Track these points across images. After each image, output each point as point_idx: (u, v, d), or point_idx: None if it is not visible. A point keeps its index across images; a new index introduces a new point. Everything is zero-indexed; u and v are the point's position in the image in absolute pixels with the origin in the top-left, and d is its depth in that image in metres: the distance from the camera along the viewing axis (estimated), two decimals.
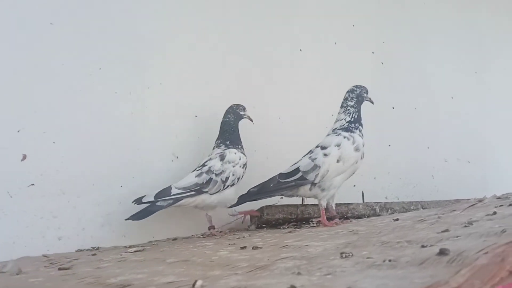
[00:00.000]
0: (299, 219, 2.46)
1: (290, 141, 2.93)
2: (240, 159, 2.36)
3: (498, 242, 1.01)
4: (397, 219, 1.97)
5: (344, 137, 2.28)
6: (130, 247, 2.14)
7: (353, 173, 2.34)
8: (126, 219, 2.15)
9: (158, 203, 2.16)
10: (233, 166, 2.32)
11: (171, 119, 2.53)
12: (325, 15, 3.29)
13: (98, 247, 2.19)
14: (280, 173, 2.28)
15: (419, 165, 3.76)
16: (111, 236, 2.28)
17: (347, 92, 2.42)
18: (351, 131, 2.31)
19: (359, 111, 2.38)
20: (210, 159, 2.33)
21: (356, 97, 2.38)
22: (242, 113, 2.44)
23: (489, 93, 4.24)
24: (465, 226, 1.42)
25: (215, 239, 2.18)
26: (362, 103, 2.40)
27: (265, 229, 2.47)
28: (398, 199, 3.57)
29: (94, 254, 1.96)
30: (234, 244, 1.84)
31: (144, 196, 2.17)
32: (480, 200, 1.93)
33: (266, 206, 2.47)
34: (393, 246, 1.29)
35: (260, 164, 2.73)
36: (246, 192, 2.33)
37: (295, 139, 2.94)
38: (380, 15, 3.64)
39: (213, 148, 2.42)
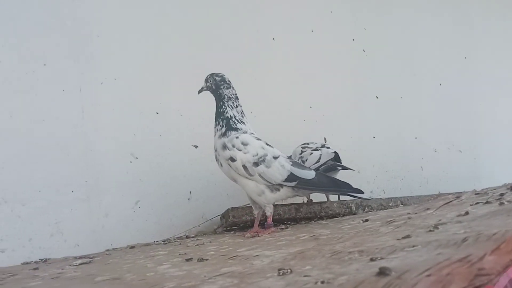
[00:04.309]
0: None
1: (262, 136, 2.75)
2: None
3: (450, 258, 0.83)
4: (366, 220, 1.79)
5: None
6: (80, 258, 1.97)
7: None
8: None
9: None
10: None
11: (129, 116, 2.34)
12: (299, 0, 3.10)
13: (46, 259, 2.02)
14: None
15: (407, 157, 3.57)
16: (62, 246, 2.10)
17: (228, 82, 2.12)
18: None
19: None
20: None
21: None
22: None
23: (479, 79, 4.04)
24: (430, 231, 1.24)
25: (173, 246, 2.01)
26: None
27: (232, 232, 2.30)
28: (384, 193, 3.40)
29: (35, 268, 1.78)
30: (185, 254, 1.66)
31: None
32: (458, 197, 1.74)
33: (232, 208, 2.29)
34: (342, 258, 1.11)
35: None
36: None
37: (268, 134, 2.76)
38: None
39: None
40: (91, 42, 2.27)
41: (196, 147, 2.51)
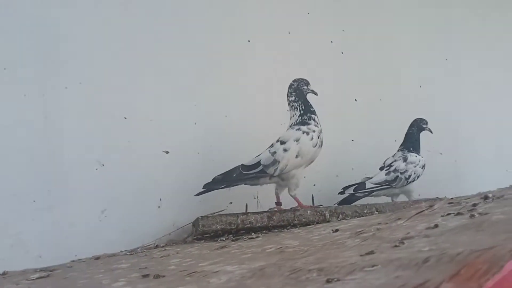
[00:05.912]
0: (240, 229, 2.21)
1: (237, 140, 2.68)
2: (419, 161, 2.89)
3: (407, 283, 0.77)
4: (336, 230, 1.72)
5: (303, 132, 2.35)
6: (40, 270, 1.88)
7: (312, 161, 2.42)
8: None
9: (357, 194, 2.77)
10: (414, 167, 2.86)
11: (94, 122, 2.26)
12: (275, 1, 3.03)
13: (5, 272, 1.92)
14: (243, 164, 2.31)
15: None
16: (23, 258, 2.02)
17: (288, 89, 2.43)
18: (308, 124, 2.37)
19: (304, 103, 2.42)
20: (395, 160, 2.87)
21: (294, 91, 2.41)
22: (424, 126, 3.08)
23: (459, 80, 3.99)
24: (395, 246, 1.18)
25: (138, 257, 1.93)
26: (303, 94, 2.43)
27: (202, 241, 2.22)
28: None
29: None
30: (146, 268, 1.59)
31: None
32: (431, 205, 1.68)
33: (201, 216, 2.21)
34: (300, 278, 1.05)
35: (202, 167, 2.50)
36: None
37: (245, 137, 2.70)
38: (338, 0, 3.38)
39: (397, 151, 2.98)
40: (55, 45, 2.18)
41: (167, 152, 2.44)
